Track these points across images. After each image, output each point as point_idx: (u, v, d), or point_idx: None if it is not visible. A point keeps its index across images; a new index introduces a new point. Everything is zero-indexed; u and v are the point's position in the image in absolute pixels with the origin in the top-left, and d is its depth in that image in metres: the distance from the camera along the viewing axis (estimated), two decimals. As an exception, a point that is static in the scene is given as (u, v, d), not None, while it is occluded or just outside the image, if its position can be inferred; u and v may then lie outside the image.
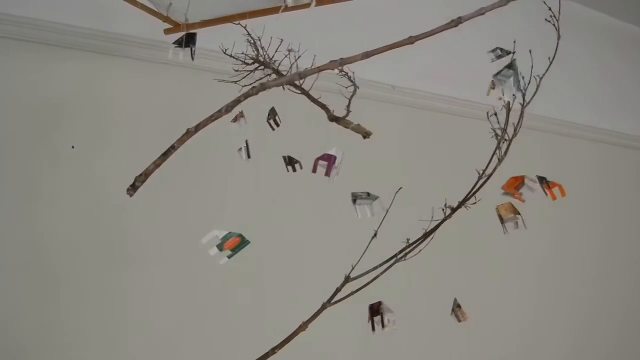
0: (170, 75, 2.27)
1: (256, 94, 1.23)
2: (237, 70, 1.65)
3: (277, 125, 1.58)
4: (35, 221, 2.04)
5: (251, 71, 1.66)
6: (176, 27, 2.15)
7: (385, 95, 2.68)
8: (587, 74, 3.53)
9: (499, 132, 1.45)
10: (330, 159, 1.32)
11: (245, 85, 1.47)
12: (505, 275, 3.05)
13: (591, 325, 3.41)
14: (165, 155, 1.21)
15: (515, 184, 1.38)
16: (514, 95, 1.50)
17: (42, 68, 2.09)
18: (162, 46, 2.16)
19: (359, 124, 1.30)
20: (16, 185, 2.02)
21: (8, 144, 2.00)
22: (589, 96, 3.54)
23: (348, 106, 1.41)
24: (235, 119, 1.64)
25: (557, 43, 1.62)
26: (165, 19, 2.11)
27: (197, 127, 1.21)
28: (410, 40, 1.30)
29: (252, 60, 1.67)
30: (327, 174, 1.33)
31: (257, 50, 1.67)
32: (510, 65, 1.52)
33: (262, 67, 1.66)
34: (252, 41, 1.68)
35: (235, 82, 1.60)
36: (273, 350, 1.40)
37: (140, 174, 1.20)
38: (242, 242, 1.19)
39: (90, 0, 2.14)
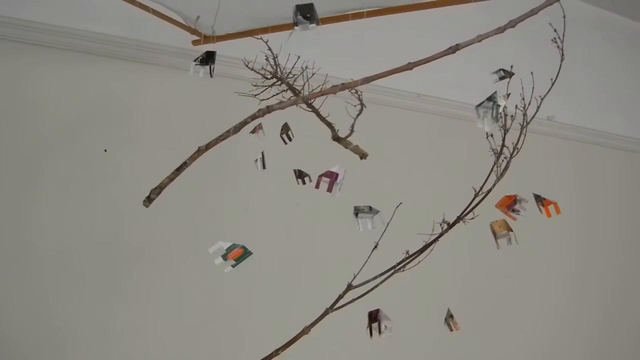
0: (197, 82, 2.38)
1: (262, 115, 1.33)
2: (255, 85, 1.75)
3: (290, 139, 1.67)
4: (69, 219, 2.19)
5: (268, 86, 1.76)
6: (204, 38, 2.28)
7: (410, 104, 2.75)
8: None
9: (496, 151, 1.52)
10: (332, 176, 1.41)
11: (263, 100, 1.57)
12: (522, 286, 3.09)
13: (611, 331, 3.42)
14: (179, 170, 1.33)
15: (508, 203, 1.44)
16: (512, 116, 1.58)
17: (77, 75, 2.23)
18: (190, 54, 2.29)
19: (357, 146, 1.40)
20: (52, 185, 2.16)
21: (45, 146, 2.15)
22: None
23: (352, 126, 1.50)
24: (254, 131, 1.74)
25: (560, 65, 1.68)
26: (193, 32, 2.24)
27: (208, 146, 1.32)
28: (409, 66, 1.38)
29: (271, 75, 1.76)
30: (329, 190, 1.42)
31: (276, 65, 1.76)
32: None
33: (279, 82, 1.76)
34: (270, 56, 1.77)
35: (255, 95, 1.69)
36: (277, 352, 1.50)
37: (155, 187, 1.32)
38: (245, 253, 1.30)
39: (124, 12, 2.26)
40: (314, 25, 1.38)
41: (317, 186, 1.43)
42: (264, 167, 1.73)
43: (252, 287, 2.39)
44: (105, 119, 2.27)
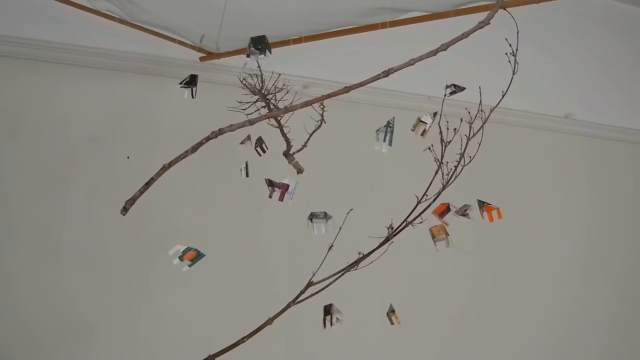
0: (209, 92, 2.59)
1: (215, 137, 1.54)
2: (240, 102, 1.95)
3: (264, 151, 1.87)
4: (95, 220, 2.47)
5: (253, 102, 1.95)
6: (209, 55, 2.51)
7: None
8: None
9: (437, 160, 1.67)
10: (283, 187, 1.61)
11: (249, 114, 1.75)
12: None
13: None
14: (148, 184, 1.56)
15: (441, 210, 1.60)
16: (455, 129, 1.71)
17: (99, 90, 2.51)
18: (202, 68, 2.54)
19: (296, 162, 1.59)
20: (79, 190, 2.45)
21: (72, 155, 2.44)
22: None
23: (306, 141, 1.69)
24: (242, 142, 1.95)
25: (512, 78, 1.79)
26: (199, 49, 2.48)
27: (170, 164, 1.55)
28: (346, 90, 1.55)
29: (255, 92, 1.97)
30: (281, 199, 1.62)
31: (262, 82, 1.96)
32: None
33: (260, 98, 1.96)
34: (256, 74, 1.97)
35: (243, 110, 1.89)
36: (242, 339, 1.72)
37: (129, 199, 1.56)
38: (198, 255, 1.52)
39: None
40: (262, 56, 1.55)
41: (270, 196, 1.62)
42: (247, 175, 1.92)
43: (225, 287, 2.61)
44: (127, 129, 2.54)
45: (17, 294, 2.38)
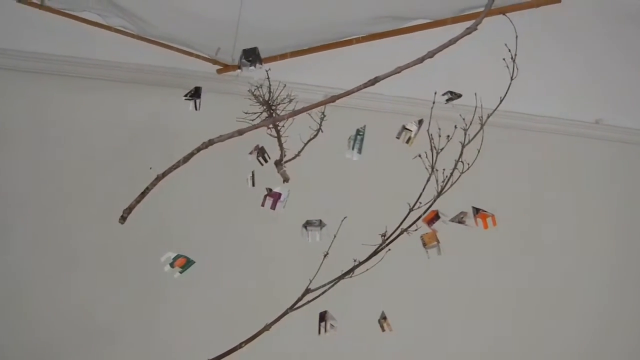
0: (228, 102, 2.64)
1: (206, 147, 1.59)
2: (246, 113, 2.00)
3: (266, 161, 1.90)
4: (117, 228, 2.55)
5: (259, 113, 1.99)
6: (225, 67, 2.58)
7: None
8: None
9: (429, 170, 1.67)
10: (275, 195, 1.65)
11: (255, 121, 1.79)
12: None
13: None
14: (143, 194, 1.62)
15: (430, 217, 1.60)
16: (448, 136, 1.71)
17: (121, 102, 2.61)
18: (220, 79, 2.61)
19: (284, 171, 1.62)
20: (99, 201, 2.55)
21: (95, 165, 2.54)
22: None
23: (300, 151, 1.72)
24: (251, 152, 1.99)
25: (510, 83, 1.78)
26: (215, 62, 2.54)
27: (164, 174, 1.61)
28: (333, 99, 1.58)
29: (261, 102, 2.01)
30: (273, 207, 1.66)
31: (269, 93, 2.00)
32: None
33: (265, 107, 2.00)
34: (262, 85, 2.01)
35: (251, 120, 1.93)
36: (240, 345, 1.76)
37: (126, 208, 1.63)
38: (188, 262, 1.57)
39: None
40: (252, 67, 1.60)
41: (263, 204, 1.66)
42: (253, 184, 1.95)
43: (225, 293, 2.65)
44: (147, 140, 2.62)
45: (36, 299, 2.49)
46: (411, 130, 1.56)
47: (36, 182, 2.53)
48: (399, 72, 1.58)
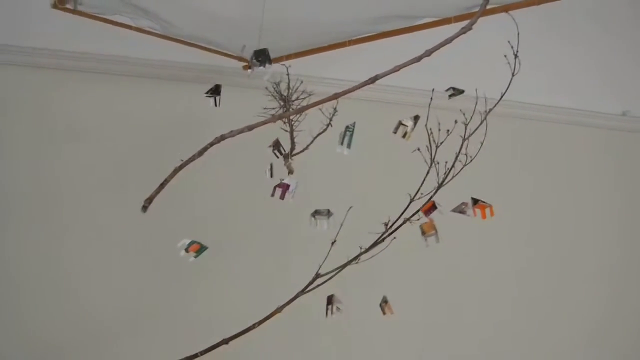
0: (256, 97, 2.78)
1: (218, 142, 1.72)
2: (265, 108, 2.12)
3: (281, 154, 2.02)
4: (152, 217, 2.70)
5: (279, 107, 2.11)
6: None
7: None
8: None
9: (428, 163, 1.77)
10: (284, 186, 1.77)
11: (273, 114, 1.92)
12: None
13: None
14: (162, 186, 1.76)
15: (427, 208, 1.69)
16: (447, 131, 1.80)
17: (155, 98, 2.76)
18: (248, 75, 2.73)
19: (290, 163, 1.74)
20: (136, 189, 2.70)
21: (129, 160, 2.71)
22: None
23: (309, 145, 1.83)
24: (270, 145, 2.11)
25: (511, 80, 1.85)
26: (240, 59, 2.67)
27: (181, 167, 1.74)
28: (335, 96, 1.69)
29: (279, 97, 2.13)
30: (282, 197, 1.78)
31: (288, 89, 2.12)
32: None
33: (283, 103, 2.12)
34: (281, 82, 2.14)
35: (272, 115, 2.05)
36: (254, 325, 1.89)
37: (147, 199, 1.77)
38: (202, 248, 1.70)
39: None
40: (262, 68, 1.72)
41: (272, 194, 1.78)
42: (271, 175, 2.06)
43: (240, 278, 2.78)
44: (179, 135, 2.75)
45: (77, 291, 2.64)
46: (407, 126, 1.64)
47: (74, 175, 2.69)
48: (397, 71, 1.67)
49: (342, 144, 1.64)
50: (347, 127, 1.63)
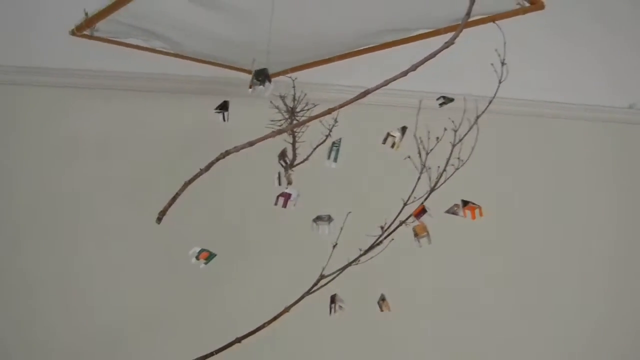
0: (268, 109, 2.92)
1: (223, 157, 1.86)
2: (272, 121, 2.25)
3: (287, 163, 2.16)
4: (174, 223, 2.85)
5: (285, 119, 2.24)
6: (260, 76, 2.83)
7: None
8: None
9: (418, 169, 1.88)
10: (286, 195, 1.91)
11: (279, 126, 2.05)
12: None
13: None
14: (174, 199, 1.91)
15: (418, 211, 1.81)
16: (437, 138, 1.91)
17: (173, 112, 2.92)
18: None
19: (289, 175, 1.88)
20: (159, 198, 2.86)
21: (153, 168, 2.86)
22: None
23: (309, 156, 1.97)
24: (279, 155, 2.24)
25: (498, 87, 1.95)
26: (250, 72, 2.80)
27: (191, 180, 1.89)
28: (329, 111, 1.81)
29: (285, 110, 2.27)
30: (284, 206, 1.92)
31: (293, 101, 2.26)
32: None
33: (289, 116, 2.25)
34: (286, 96, 2.27)
35: (279, 127, 2.18)
36: (264, 325, 2.03)
37: (161, 211, 1.92)
38: (211, 255, 1.85)
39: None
40: (262, 87, 1.85)
41: (275, 203, 1.92)
42: (279, 184, 2.20)
43: (247, 282, 2.91)
44: (199, 147, 2.89)
45: (94, 297, 2.80)
46: (395, 136, 1.76)
47: (100, 188, 2.86)
48: (386, 85, 1.79)
49: (329, 158, 1.77)
50: (333, 142, 1.76)
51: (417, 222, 1.89)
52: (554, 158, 3.29)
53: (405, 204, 1.92)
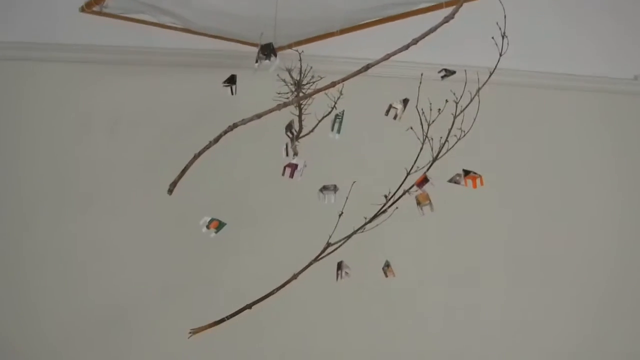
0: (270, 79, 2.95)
1: (231, 130, 1.93)
2: (279, 93, 2.30)
3: (293, 135, 2.22)
4: (185, 198, 2.90)
5: (292, 91, 2.29)
6: (269, 49, 2.88)
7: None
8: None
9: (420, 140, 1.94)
10: (293, 166, 1.97)
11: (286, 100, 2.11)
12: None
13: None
14: (184, 171, 1.98)
15: (420, 181, 1.88)
16: (439, 109, 1.96)
17: (185, 87, 2.97)
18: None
19: (295, 146, 1.94)
20: (170, 171, 2.92)
21: (165, 141, 2.92)
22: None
23: (314, 127, 2.03)
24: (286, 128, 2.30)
25: (498, 60, 1.99)
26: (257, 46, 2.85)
27: (200, 153, 1.96)
28: (332, 84, 1.87)
29: (292, 83, 2.32)
30: (291, 176, 1.98)
31: (300, 74, 2.30)
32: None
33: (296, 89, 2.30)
34: (293, 69, 2.32)
35: (288, 99, 2.23)
36: (273, 291, 2.11)
37: (171, 183, 1.99)
38: (221, 224, 1.92)
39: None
40: (268, 61, 1.90)
41: (283, 174, 1.99)
42: (287, 154, 2.25)
43: (256, 250, 2.97)
44: (209, 120, 2.91)
45: (109, 269, 2.88)
46: (397, 108, 1.82)
47: (111, 168, 2.92)
48: (387, 59, 1.84)
49: (332, 130, 1.83)
50: (336, 115, 1.81)
51: (419, 191, 1.94)
52: (557, 129, 3.31)
53: (408, 174, 1.98)
